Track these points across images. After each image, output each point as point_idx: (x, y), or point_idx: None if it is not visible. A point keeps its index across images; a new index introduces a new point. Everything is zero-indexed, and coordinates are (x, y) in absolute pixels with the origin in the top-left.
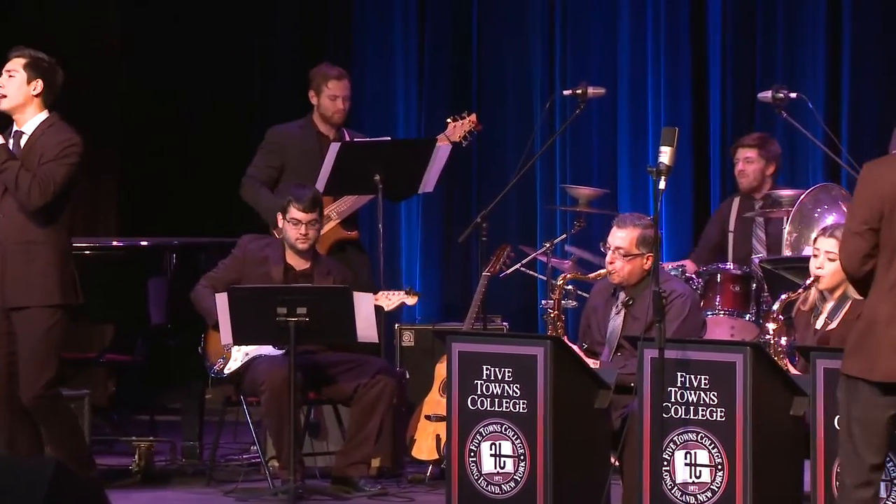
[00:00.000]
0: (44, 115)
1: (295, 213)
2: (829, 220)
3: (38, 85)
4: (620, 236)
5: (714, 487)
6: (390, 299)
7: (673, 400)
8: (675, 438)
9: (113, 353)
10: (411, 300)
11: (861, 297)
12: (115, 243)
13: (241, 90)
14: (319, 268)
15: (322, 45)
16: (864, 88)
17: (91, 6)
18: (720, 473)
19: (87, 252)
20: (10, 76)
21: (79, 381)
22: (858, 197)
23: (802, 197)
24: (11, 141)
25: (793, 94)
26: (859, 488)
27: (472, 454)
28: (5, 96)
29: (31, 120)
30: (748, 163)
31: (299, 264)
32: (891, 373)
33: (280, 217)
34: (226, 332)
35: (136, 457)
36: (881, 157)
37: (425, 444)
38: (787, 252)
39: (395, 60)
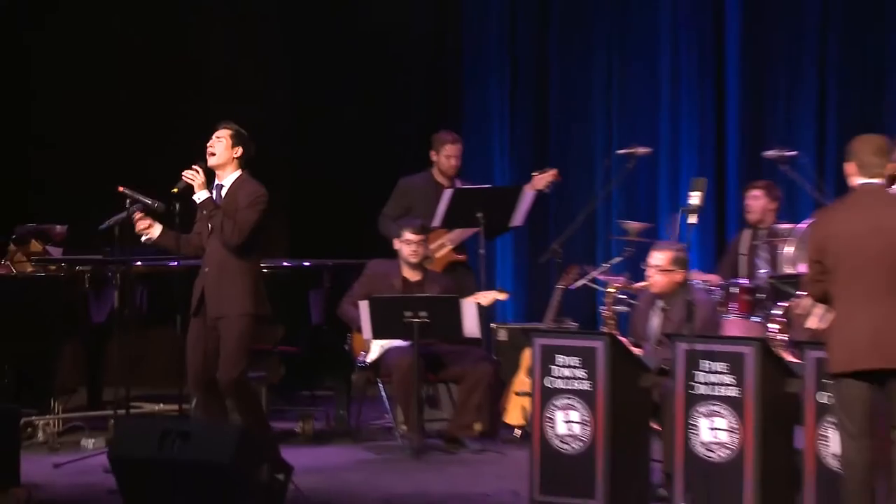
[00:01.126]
0: (238, 172)
1: (408, 235)
2: None
3: (239, 150)
4: (660, 257)
5: (731, 447)
6: (486, 296)
7: (699, 381)
8: (701, 409)
9: (284, 346)
10: (502, 296)
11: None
12: (284, 263)
13: (382, 147)
14: (429, 279)
15: (442, 115)
16: (844, 145)
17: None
18: (736, 436)
19: (266, 270)
20: (219, 140)
21: (258, 367)
22: (810, 237)
23: (802, 226)
24: (214, 192)
25: (791, 153)
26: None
27: (549, 420)
28: (214, 154)
29: (229, 176)
30: (755, 200)
31: (413, 276)
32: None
33: (397, 241)
34: (367, 330)
35: (301, 423)
36: (827, 206)
37: (514, 413)
38: (787, 270)
39: (492, 126)
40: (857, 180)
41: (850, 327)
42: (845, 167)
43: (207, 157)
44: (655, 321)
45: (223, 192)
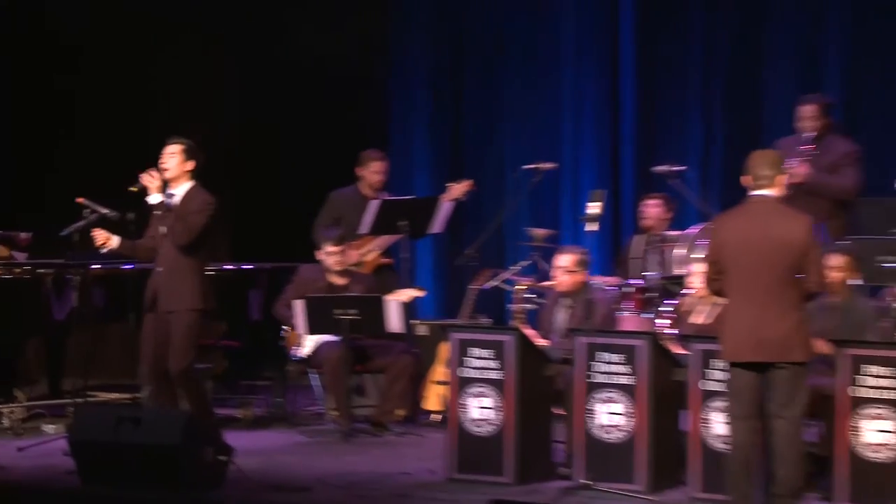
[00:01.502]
0: (190, 183)
1: (328, 248)
2: None
3: (191, 164)
4: (565, 259)
5: (625, 429)
6: (405, 294)
7: (597, 370)
8: (599, 396)
9: (226, 341)
10: (420, 293)
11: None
12: (227, 266)
13: (315, 163)
14: (354, 281)
15: (369, 134)
16: (727, 160)
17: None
18: (629, 419)
19: (211, 272)
20: (172, 155)
21: (204, 360)
22: (709, 240)
23: (690, 231)
24: (167, 199)
25: (679, 168)
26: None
27: (464, 406)
28: (167, 168)
29: (181, 186)
30: (652, 209)
31: (338, 280)
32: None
33: (320, 253)
34: (302, 326)
35: (242, 409)
36: (724, 212)
37: (433, 400)
38: (676, 271)
39: (413, 144)
40: (752, 191)
41: (737, 322)
42: (742, 179)
43: (161, 171)
44: (560, 317)
45: (176, 200)
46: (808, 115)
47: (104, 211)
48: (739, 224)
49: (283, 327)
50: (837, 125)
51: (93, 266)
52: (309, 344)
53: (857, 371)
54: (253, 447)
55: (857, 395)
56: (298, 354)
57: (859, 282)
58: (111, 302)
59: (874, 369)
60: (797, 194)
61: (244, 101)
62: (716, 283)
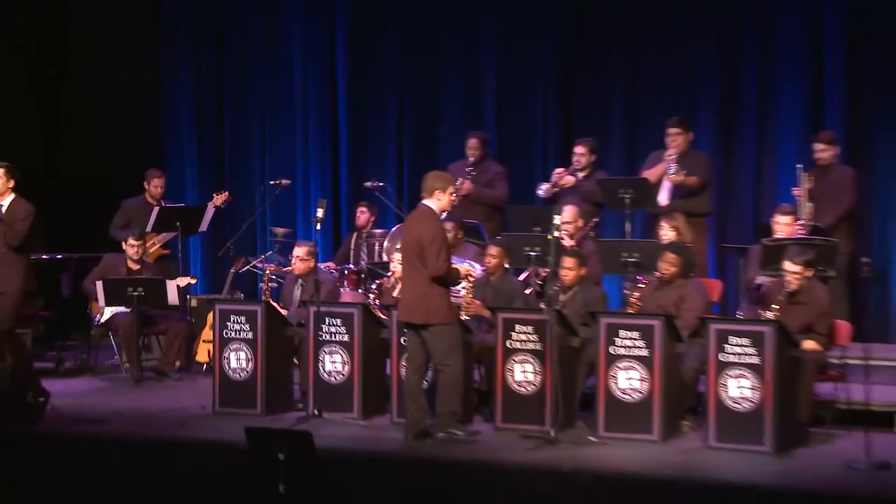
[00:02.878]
0: (13, 196)
1: (131, 241)
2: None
3: (12, 182)
4: (300, 250)
5: (343, 373)
6: (183, 280)
7: (323, 332)
8: (326, 349)
9: (43, 311)
10: (192, 281)
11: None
12: (44, 256)
13: (110, 178)
14: (145, 268)
15: (150, 154)
16: (415, 178)
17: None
18: (347, 366)
19: (33, 260)
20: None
21: (26, 326)
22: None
23: (394, 230)
24: None
25: (380, 183)
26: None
27: (227, 359)
28: None
29: (6, 199)
30: (362, 214)
31: (134, 266)
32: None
33: (124, 244)
34: (102, 299)
35: (56, 363)
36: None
37: (202, 354)
38: (384, 258)
39: (184, 162)
40: (424, 201)
41: (402, 293)
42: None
43: None
44: (297, 293)
45: (3, 210)
46: (472, 145)
47: None
48: (408, 224)
49: (88, 302)
50: (491, 153)
51: None
52: (108, 313)
53: (510, 329)
54: (64, 391)
55: (509, 347)
56: (100, 321)
57: (508, 266)
58: None
59: (521, 328)
60: (464, 203)
61: (47, 127)
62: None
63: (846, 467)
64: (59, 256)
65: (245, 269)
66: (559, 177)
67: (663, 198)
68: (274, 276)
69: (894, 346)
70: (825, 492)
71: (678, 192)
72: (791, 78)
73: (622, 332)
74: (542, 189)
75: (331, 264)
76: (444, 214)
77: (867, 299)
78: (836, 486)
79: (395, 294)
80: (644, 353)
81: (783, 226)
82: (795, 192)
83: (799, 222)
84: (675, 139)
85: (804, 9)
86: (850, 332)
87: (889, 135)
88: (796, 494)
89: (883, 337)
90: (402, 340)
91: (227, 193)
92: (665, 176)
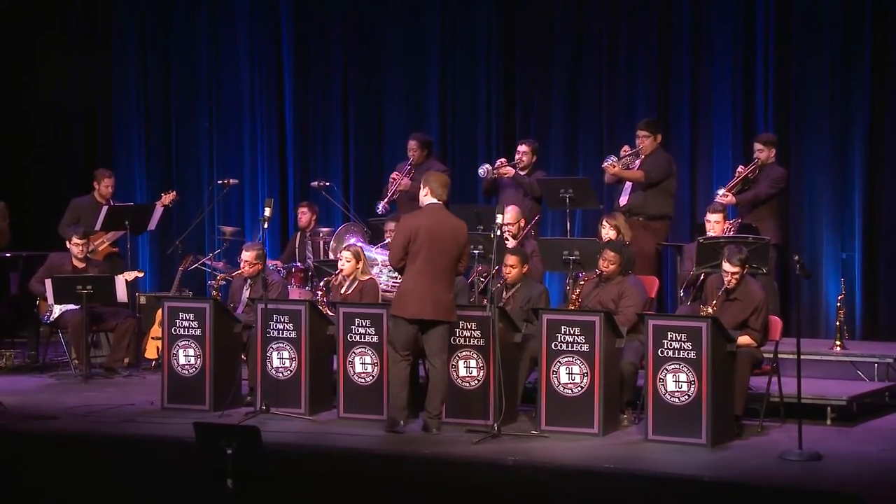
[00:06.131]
0: None
1: (75, 240)
2: (352, 240)
3: None
4: (247, 255)
5: (291, 369)
6: (129, 275)
7: (272, 328)
8: (274, 346)
9: None
10: (140, 274)
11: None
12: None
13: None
14: (91, 266)
15: (100, 156)
16: (361, 178)
17: None
18: (294, 361)
19: None
20: None
21: None
22: (398, 230)
23: (340, 228)
24: None
25: (327, 183)
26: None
27: (175, 356)
28: None
29: None
30: (303, 214)
31: (79, 265)
32: (414, 313)
33: (68, 243)
34: (51, 297)
35: (4, 359)
36: (413, 212)
37: (151, 350)
38: (331, 257)
39: (133, 164)
40: (427, 200)
41: (411, 287)
42: (420, 191)
43: None
44: (245, 293)
45: None
46: (411, 147)
47: None
48: (424, 221)
49: (37, 300)
50: (435, 153)
51: None
52: (57, 311)
53: (454, 325)
54: (13, 388)
55: (453, 343)
56: (48, 319)
57: None
58: None
59: (465, 324)
60: (406, 200)
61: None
62: (403, 261)
63: (779, 459)
64: (7, 255)
65: (193, 266)
66: (501, 165)
67: (623, 199)
68: (221, 273)
69: (824, 340)
70: (759, 482)
71: (636, 193)
72: (722, 79)
73: (563, 328)
74: (483, 169)
75: (278, 262)
76: None
77: (798, 295)
78: (770, 477)
79: (342, 291)
80: (585, 348)
81: (714, 224)
82: (740, 169)
83: (727, 198)
84: (643, 141)
85: (736, 11)
86: (781, 328)
87: (818, 135)
88: (732, 485)
89: (813, 332)
90: (347, 336)
91: (174, 193)
92: (604, 164)
